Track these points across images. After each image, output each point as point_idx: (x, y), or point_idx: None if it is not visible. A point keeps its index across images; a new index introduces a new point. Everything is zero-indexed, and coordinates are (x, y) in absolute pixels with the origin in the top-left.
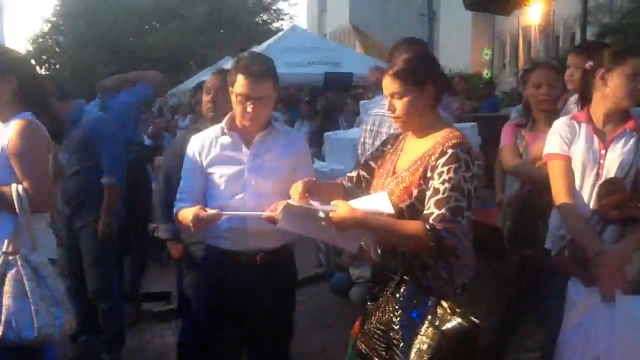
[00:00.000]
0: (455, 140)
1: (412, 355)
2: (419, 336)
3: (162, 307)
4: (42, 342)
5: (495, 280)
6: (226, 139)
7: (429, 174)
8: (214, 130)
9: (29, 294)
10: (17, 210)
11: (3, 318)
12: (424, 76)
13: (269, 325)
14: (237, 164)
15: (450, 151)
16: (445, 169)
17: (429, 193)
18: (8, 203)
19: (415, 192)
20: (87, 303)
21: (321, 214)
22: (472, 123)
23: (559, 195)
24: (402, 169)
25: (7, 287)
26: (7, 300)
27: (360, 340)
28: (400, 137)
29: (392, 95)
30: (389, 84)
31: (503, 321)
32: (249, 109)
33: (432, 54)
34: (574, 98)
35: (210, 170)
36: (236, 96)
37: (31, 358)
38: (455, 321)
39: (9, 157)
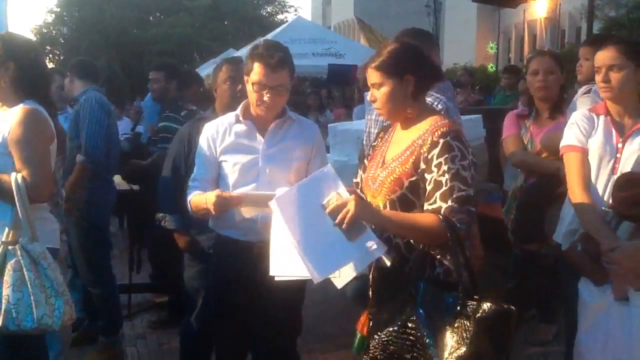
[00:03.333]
0: (444, 129)
1: (448, 348)
2: (449, 329)
3: (163, 297)
4: (41, 332)
5: (496, 274)
6: (240, 127)
7: (422, 166)
8: (227, 118)
9: (28, 284)
10: (16, 199)
11: (3, 308)
12: (403, 66)
13: (277, 318)
14: (251, 153)
15: (441, 141)
16: (442, 159)
17: (430, 187)
18: (7, 192)
19: (406, 182)
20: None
21: (342, 193)
22: (477, 115)
23: (574, 188)
24: (391, 159)
25: (7, 278)
26: (6, 291)
27: (375, 348)
28: (390, 128)
29: (373, 86)
30: (370, 75)
31: None
32: (265, 98)
33: (421, 45)
34: (582, 90)
35: (223, 158)
36: (253, 85)
37: (34, 345)
38: (489, 308)
39: (10, 145)
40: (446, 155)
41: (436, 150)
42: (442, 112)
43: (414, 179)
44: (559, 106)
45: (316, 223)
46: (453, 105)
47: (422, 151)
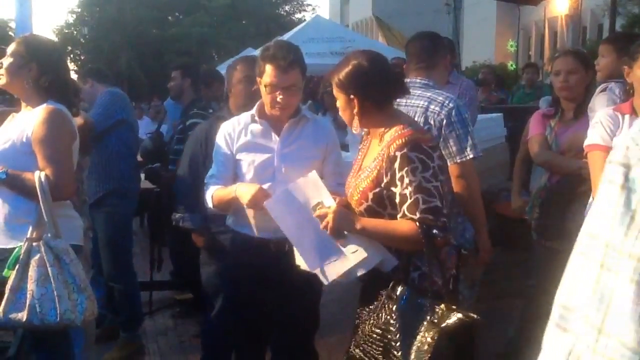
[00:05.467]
0: (401, 141)
1: (412, 356)
2: (418, 337)
3: (185, 294)
4: (64, 327)
5: (517, 272)
6: (256, 127)
7: (385, 179)
8: (243, 117)
9: (51, 279)
10: (39, 197)
11: (27, 302)
12: (349, 87)
13: (294, 315)
14: (266, 152)
15: (398, 154)
16: (403, 173)
17: (398, 200)
18: (31, 190)
19: (370, 195)
20: (105, 282)
21: (325, 201)
22: (498, 114)
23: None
24: (363, 169)
25: (31, 273)
26: (31, 286)
27: (355, 346)
28: (369, 134)
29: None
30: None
31: (525, 314)
32: (278, 99)
33: (433, 48)
34: (600, 88)
35: (239, 157)
36: (265, 86)
37: (59, 340)
38: (454, 317)
39: (33, 144)
40: (406, 168)
41: (396, 164)
42: (408, 118)
43: (377, 190)
44: (584, 106)
45: (308, 226)
46: (464, 104)
47: (382, 165)
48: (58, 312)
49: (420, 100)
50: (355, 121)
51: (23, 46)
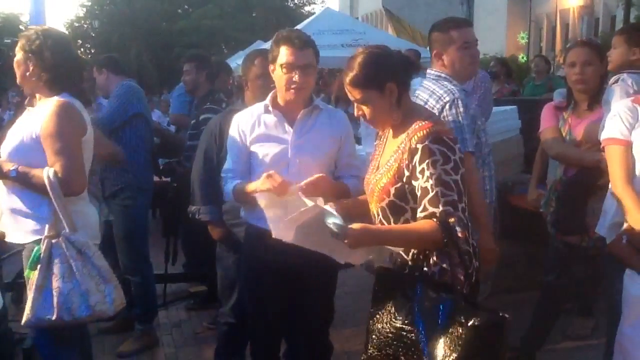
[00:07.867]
0: (422, 132)
1: (440, 354)
2: (442, 335)
3: (199, 287)
4: (95, 319)
5: (530, 266)
6: (269, 118)
7: (406, 173)
8: (257, 108)
9: (76, 274)
10: (50, 194)
11: (55, 300)
12: (380, 77)
13: (309, 308)
14: (280, 143)
15: (419, 146)
16: (424, 165)
17: (419, 194)
18: (42, 187)
19: (392, 190)
20: (121, 275)
21: (334, 224)
22: (512, 106)
23: (617, 181)
24: (382, 166)
25: (55, 270)
26: (56, 283)
27: (372, 347)
28: (386, 130)
29: (356, 101)
30: (350, 92)
31: (540, 308)
32: (295, 78)
33: (453, 34)
34: (612, 79)
35: (253, 148)
36: (282, 67)
37: (76, 332)
38: (482, 315)
39: (42, 139)
40: (427, 161)
41: (417, 157)
42: (427, 111)
43: (398, 185)
44: (598, 97)
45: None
46: (465, 96)
47: (403, 158)
48: (89, 304)
49: (424, 93)
50: (397, 113)
51: (24, 41)
